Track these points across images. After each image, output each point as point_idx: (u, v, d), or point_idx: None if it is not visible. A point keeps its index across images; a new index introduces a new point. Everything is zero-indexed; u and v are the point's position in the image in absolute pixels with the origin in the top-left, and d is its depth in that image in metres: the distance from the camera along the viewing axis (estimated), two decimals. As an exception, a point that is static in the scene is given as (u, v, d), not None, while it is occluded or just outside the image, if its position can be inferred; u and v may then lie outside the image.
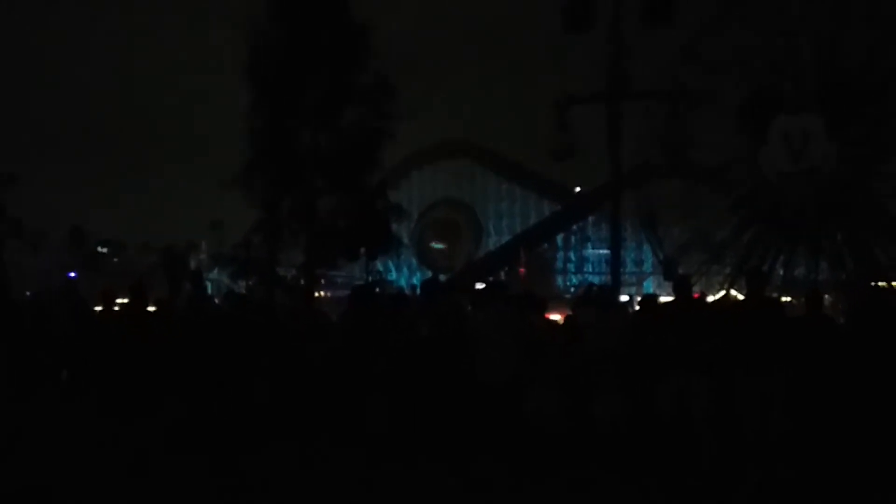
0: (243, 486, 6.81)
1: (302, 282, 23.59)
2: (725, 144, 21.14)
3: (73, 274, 39.66)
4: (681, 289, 8.37)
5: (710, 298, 17.19)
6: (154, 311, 10.76)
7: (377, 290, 16.68)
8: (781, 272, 21.01)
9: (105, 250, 53.69)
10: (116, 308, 10.71)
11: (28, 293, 21.94)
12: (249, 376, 8.81)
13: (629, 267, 50.05)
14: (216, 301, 12.42)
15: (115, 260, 53.36)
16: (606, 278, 20.02)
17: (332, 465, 7.38)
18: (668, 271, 21.36)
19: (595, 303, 9.26)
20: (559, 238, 63.15)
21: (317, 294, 27.14)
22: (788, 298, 17.36)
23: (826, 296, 9.82)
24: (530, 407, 7.72)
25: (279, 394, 8.82)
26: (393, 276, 54.65)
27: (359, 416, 8.27)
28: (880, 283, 19.33)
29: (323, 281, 27.81)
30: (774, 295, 14.40)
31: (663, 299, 10.29)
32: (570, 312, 9.88)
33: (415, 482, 6.91)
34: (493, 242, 63.99)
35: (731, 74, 20.83)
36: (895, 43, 20.20)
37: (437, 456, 7.40)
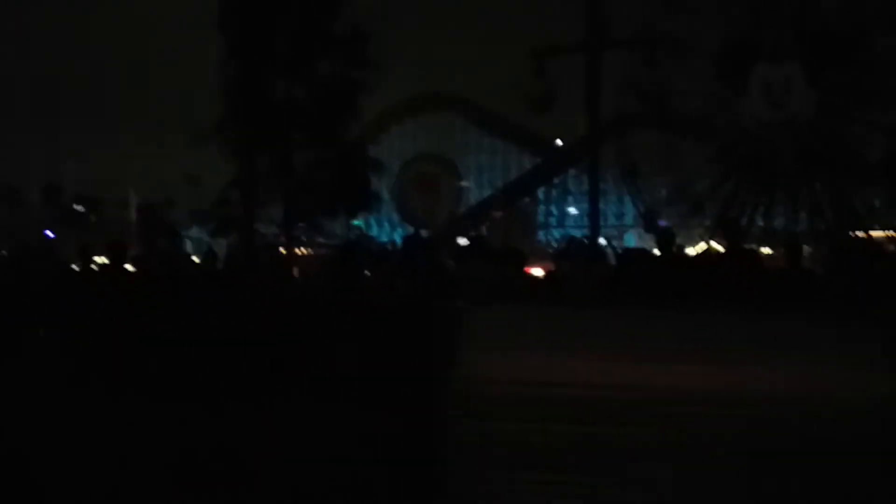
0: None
1: (282, 238, 23.42)
2: (706, 94, 21.02)
3: (49, 232, 39.02)
4: (664, 243, 8.33)
5: (690, 251, 17.24)
6: (132, 271, 10.62)
7: (359, 246, 16.57)
8: (761, 223, 21.08)
9: (81, 208, 52.67)
10: (94, 267, 10.57)
11: (3, 252, 21.58)
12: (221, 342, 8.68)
13: (610, 220, 49.95)
14: (193, 259, 12.31)
15: (93, 218, 52.47)
16: (588, 231, 20.04)
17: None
18: (649, 224, 21.38)
19: (574, 256, 9.21)
20: (540, 192, 62.93)
21: (298, 251, 27.00)
22: (769, 250, 17.45)
23: (805, 246, 9.88)
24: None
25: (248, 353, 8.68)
26: (374, 232, 54.39)
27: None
28: (859, 233, 19.47)
29: (304, 239, 27.62)
30: (754, 246, 14.45)
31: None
32: (552, 267, 9.84)
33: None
34: (474, 196, 63.68)
35: (711, 21, 20.63)
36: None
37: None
